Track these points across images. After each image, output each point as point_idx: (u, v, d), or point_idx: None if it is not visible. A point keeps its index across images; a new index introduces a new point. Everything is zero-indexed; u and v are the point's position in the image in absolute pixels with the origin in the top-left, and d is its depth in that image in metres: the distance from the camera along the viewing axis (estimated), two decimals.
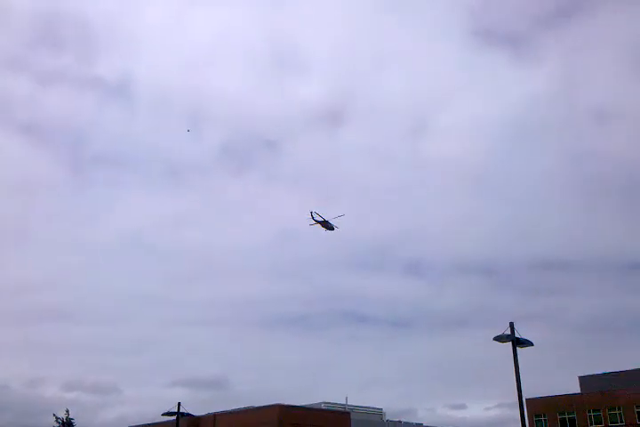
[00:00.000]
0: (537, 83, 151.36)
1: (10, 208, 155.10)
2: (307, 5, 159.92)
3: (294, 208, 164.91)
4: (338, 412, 73.27)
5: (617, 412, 57.97)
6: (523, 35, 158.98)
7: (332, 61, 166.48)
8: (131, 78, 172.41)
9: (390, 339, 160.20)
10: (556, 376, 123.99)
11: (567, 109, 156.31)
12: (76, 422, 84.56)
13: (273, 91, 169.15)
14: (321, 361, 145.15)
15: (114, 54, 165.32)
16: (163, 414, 42.22)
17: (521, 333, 24.65)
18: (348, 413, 72.91)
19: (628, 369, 66.95)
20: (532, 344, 24.44)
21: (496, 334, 24.60)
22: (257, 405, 70.26)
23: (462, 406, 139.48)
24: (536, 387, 55.24)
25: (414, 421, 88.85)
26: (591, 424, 59.05)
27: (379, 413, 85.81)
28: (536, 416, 62.11)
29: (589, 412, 59.53)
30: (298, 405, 68.81)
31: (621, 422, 57.37)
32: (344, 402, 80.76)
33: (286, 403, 66.65)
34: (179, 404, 41.62)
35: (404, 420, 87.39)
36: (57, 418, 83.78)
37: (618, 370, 67.30)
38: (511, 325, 24.36)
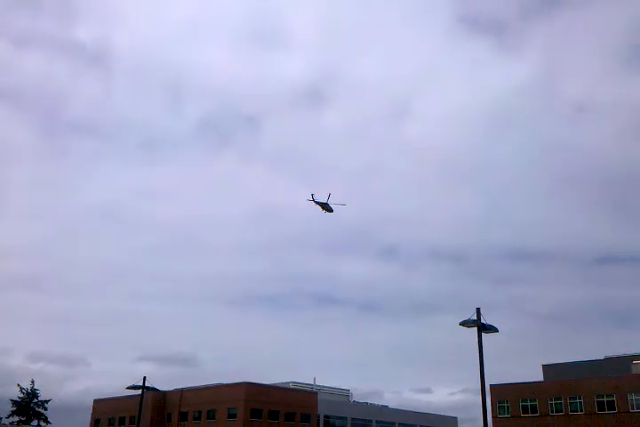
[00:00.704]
0: (518, 73, 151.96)
1: None
2: None
3: (271, 186, 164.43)
4: (305, 392, 73.94)
5: (577, 401, 59.15)
6: (507, 23, 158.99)
7: (316, 40, 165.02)
8: (110, 46, 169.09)
9: (360, 321, 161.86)
10: (521, 364, 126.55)
11: (547, 101, 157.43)
12: (40, 392, 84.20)
13: (255, 67, 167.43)
14: (290, 341, 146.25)
15: (94, 21, 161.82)
16: (127, 388, 42.11)
17: (489, 320, 24.85)
18: (316, 393, 73.62)
19: (589, 359, 68.36)
20: (496, 330, 24.63)
21: (462, 320, 24.72)
22: (225, 382, 70.50)
23: (428, 391, 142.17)
24: (501, 374, 56.35)
25: (380, 403, 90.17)
26: (552, 412, 60.23)
27: (345, 394, 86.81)
28: (499, 402, 63.13)
29: (551, 400, 60.66)
30: (265, 383, 69.18)
31: (581, 410, 58.60)
32: (312, 382, 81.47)
33: (254, 381, 66.96)
34: (144, 378, 41.49)
35: (370, 402, 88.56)
36: (21, 388, 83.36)
37: (580, 360, 68.70)
38: (477, 310, 24.51)
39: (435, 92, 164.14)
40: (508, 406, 62.75)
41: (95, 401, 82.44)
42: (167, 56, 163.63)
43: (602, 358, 69.21)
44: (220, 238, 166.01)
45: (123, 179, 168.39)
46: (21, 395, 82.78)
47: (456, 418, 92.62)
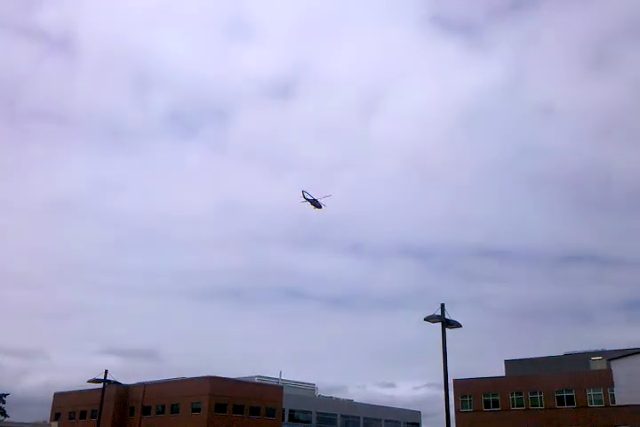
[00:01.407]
0: (487, 73, 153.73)
1: None
2: None
3: (239, 180, 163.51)
4: (270, 386, 73.81)
5: (538, 396, 60.36)
6: (477, 24, 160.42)
7: (287, 34, 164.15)
8: (75, 33, 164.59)
9: (326, 316, 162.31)
10: (483, 359, 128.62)
11: (515, 102, 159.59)
12: None
13: (225, 59, 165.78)
14: (256, 335, 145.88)
15: (59, 6, 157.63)
16: (88, 381, 41.41)
17: (453, 316, 25.05)
18: (281, 387, 73.55)
19: (550, 355, 69.84)
20: (460, 326, 24.87)
21: (427, 315, 24.88)
22: (189, 377, 69.96)
23: (392, 385, 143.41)
24: (465, 369, 57.10)
25: (345, 397, 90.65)
26: (513, 406, 61.35)
27: (311, 388, 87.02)
28: (462, 397, 64.03)
29: (512, 395, 61.78)
30: (230, 377, 68.85)
31: (541, 405, 59.83)
32: (277, 376, 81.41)
33: (218, 375, 66.56)
34: (105, 371, 40.87)
35: (335, 396, 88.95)
36: None
37: (541, 356, 70.14)
38: (442, 306, 24.70)
39: (404, 89, 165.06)
40: (470, 401, 63.71)
41: (55, 395, 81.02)
42: (134, 45, 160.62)
43: (562, 354, 70.79)
44: (185, 232, 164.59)
45: (85, 169, 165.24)
46: None
47: (419, 412, 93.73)
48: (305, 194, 56.82)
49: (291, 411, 74.16)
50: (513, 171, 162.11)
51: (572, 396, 58.26)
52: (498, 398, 62.33)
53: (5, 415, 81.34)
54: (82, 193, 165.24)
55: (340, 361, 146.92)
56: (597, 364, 61.98)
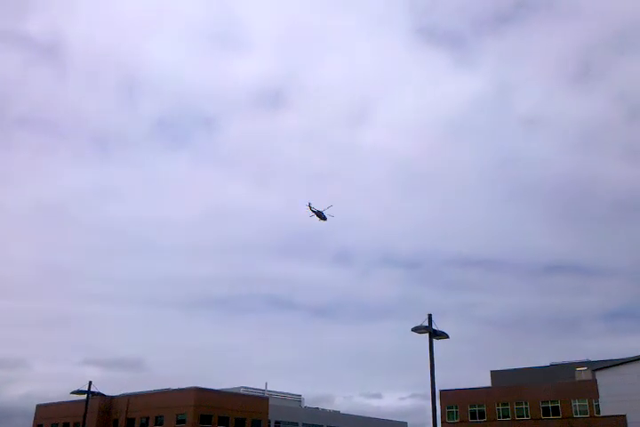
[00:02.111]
0: (472, 84, 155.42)
1: None
2: None
3: (226, 189, 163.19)
4: (256, 397, 73.25)
5: (524, 406, 60.46)
6: (462, 37, 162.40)
7: (276, 42, 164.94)
8: (63, 40, 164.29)
9: (312, 326, 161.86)
10: (469, 370, 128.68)
11: (499, 113, 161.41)
12: None
13: (214, 68, 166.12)
14: (242, 345, 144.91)
15: (46, 13, 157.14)
16: (72, 393, 40.72)
17: (439, 326, 25.06)
18: (267, 398, 73.01)
19: (536, 366, 70.10)
20: (447, 336, 24.88)
21: (414, 326, 24.88)
22: (173, 388, 69.27)
23: (378, 396, 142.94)
24: (450, 379, 57.09)
25: (331, 408, 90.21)
26: (499, 417, 61.38)
27: (297, 399, 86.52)
28: (448, 407, 63.98)
29: (498, 405, 61.84)
30: (215, 389, 68.28)
31: (527, 416, 59.91)
32: (263, 387, 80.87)
33: (203, 386, 65.98)
34: (89, 382, 40.30)
35: (321, 407, 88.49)
36: None
37: (526, 367, 70.38)
38: (429, 316, 24.72)
39: (391, 100, 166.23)
40: (456, 412, 63.67)
41: (38, 406, 79.73)
42: (123, 52, 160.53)
43: (547, 364, 71.08)
44: (171, 240, 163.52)
45: (71, 176, 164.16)
46: None
47: (406, 423, 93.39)
48: (311, 207, 59.11)
49: (276, 422, 73.58)
50: (497, 181, 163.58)
51: (558, 406, 58.43)
52: (484, 408, 62.36)
53: None
54: (68, 200, 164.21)
55: (327, 372, 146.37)
56: (582, 374, 62.27)
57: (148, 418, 66.53)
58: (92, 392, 40.79)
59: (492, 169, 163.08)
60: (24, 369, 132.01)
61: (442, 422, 62.97)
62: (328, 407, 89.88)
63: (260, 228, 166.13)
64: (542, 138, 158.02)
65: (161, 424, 64.75)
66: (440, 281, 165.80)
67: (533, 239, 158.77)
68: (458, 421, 63.16)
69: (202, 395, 64.21)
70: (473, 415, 62.69)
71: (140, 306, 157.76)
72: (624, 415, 51.07)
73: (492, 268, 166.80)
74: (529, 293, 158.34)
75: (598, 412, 54.40)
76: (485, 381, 71.14)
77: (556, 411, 58.39)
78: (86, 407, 43.24)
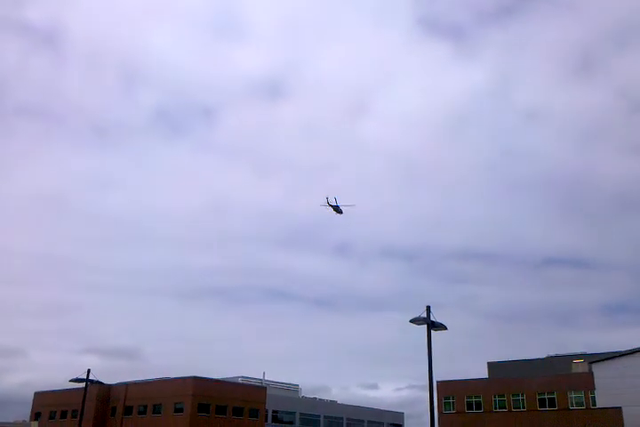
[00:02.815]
0: (474, 77, 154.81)
1: None
2: None
3: (225, 179, 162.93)
4: (254, 386, 73.52)
5: (520, 398, 60.70)
6: (465, 28, 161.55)
7: (276, 35, 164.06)
8: (63, 28, 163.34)
9: (310, 317, 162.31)
10: (466, 361, 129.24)
11: (500, 106, 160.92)
12: None
13: (213, 58, 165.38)
14: (240, 335, 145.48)
15: (47, 0, 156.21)
16: (70, 381, 40.95)
17: (437, 318, 25.09)
18: (265, 388, 73.29)
19: (532, 358, 70.38)
20: (445, 328, 24.92)
21: (412, 317, 24.90)
22: (171, 377, 69.49)
23: (375, 386, 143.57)
24: (447, 371, 57.32)
25: (328, 398, 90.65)
26: (496, 408, 61.64)
27: (295, 389, 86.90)
28: (445, 398, 64.23)
29: (495, 397, 62.07)
30: (213, 378, 68.49)
31: (523, 407, 60.16)
32: (261, 377, 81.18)
33: (201, 376, 66.17)
34: (88, 371, 40.44)
35: (318, 397, 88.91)
36: None
37: (523, 358, 70.68)
38: (428, 308, 24.74)
39: (392, 92, 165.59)
40: (453, 402, 63.91)
41: (36, 394, 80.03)
42: (123, 41, 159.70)
43: (544, 357, 71.36)
44: (171, 231, 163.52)
45: (70, 165, 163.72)
46: None
47: (403, 413, 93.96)
48: (329, 200, 61.12)
49: (274, 412, 73.94)
50: (498, 173, 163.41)
51: (554, 398, 58.68)
52: (480, 399, 62.59)
53: None
54: (67, 190, 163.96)
55: (324, 362, 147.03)
56: (579, 367, 62.50)
57: (145, 406, 66.81)
58: (91, 380, 40.99)
59: (492, 161, 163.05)
60: (22, 358, 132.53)
61: (439, 413, 63.24)
62: (325, 397, 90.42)
63: (260, 219, 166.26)
64: (542, 130, 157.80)
65: (159, 413, 65.05)
66: (439, 273, 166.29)
67: (532, 232, 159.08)
68: (454, 412, 63.45)
69: (200, 384, 64.43)
70: (469, 406, 62.96)
71: (138, 296, 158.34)
72: (620, 408, 51.30)
73: (490, 260, 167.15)
74: (527, 285, 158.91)
75: (594, 404, 54.64)
76: (482, 372, 71.53)
77: (552, 403, 58.65)
78: (84, 395, 43.45)
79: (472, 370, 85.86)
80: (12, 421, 77.68)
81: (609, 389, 52.14)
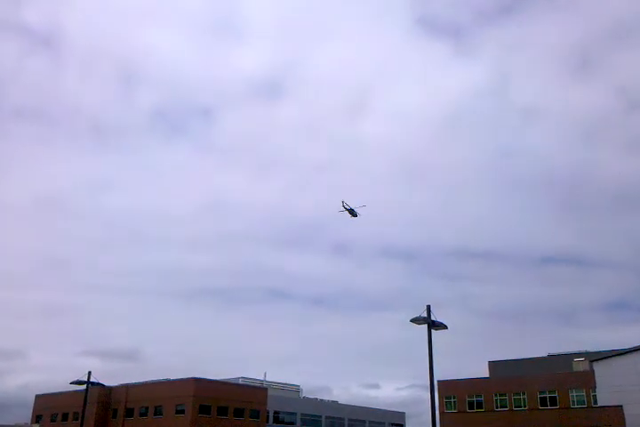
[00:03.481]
0: (473, 76, 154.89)
1: None
2: None
3: (224, 179, 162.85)
4: (255, 387, 73.47)
5: (521, 397, 60.66)
6: (464, 27, 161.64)
7: (275, 33, 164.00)
8: (60, 29, 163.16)
9: (311, 317, 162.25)
10: (467, 361, 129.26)
11: (500, 104, 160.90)
12: None
13: (212, 58, 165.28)
14: (240, 336, 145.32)
15: (44, 2, 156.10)
16: (71, 383, 40.88)
17: (438, 317, 25.08)
18: (265, 388, 73.23)
19: (533, 357, 70.36)
20: (446, 327, 24.91)
21: (413, 317, 24.88)
22: (172, 378, 69.45)
23: (376, 386, 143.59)
24: (448, 370, 57.26)
25: (330, 398, 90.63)
26: (497, 407, 61.59)
27: (296, 389, 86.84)
28: (446, 398, 64.15)
29: (496, 396, 62.02)
30: (214, 379, 68.46)
31: (525, 406, 60.12)
32: (262, 378, 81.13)
33: (202, 377, 66.14)
34: (89, 373, 40.40)
35: (319, 397, 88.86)
36: None
37: (524, 357, 70.66)
38: (428, 307, 24.72)
39: (391, 91, 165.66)
40: (454, 402, 63.86)
41: (37, 396, 79.97)
42: (121, 42, 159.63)
43: (545, 355, 71.35)
44: (170, 231, 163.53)
45: (69, 166, 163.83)
46: None
47: (404, 413, 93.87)
48: (344, 204, 62.69)
49: (275, 412, 73.89)
50: (497, 172, 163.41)
51: (555, 397, 58.65)
52: (482, 399, 62.53)
53: None
54: (66, 191, 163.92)
55: (325, 362, 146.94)
56: (580, 365, 62.48)
57: (147, 408, 66.77)
58: (92, 383, 40.94)
59: (492, 160, 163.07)
60: (23, 360, 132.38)
61: (440, 413, 63.06)
62: (326, 398, 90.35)
63: (259, 219, 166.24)
64: (542, 129, 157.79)
65: (160, 414, 65.00)
66: (439, 273, 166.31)
67: (532, 230, 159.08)
68: (456, 411, 63.39)
69: (201, 385, 64.39)
70: (471, 406, 62.91)
71: (138, 297, 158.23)
72: (621, 406, 51.25)
73: (491, 259, 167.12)
74: (528, 284, 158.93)
75: (595, 402, 54.62)
76: (483, 371, 71.52)
77: (553, 401, 58.61)
78: (86, 398, 43.36)
79: (473, 369, 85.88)
80: (12, 423, 77.65)
81: (610, 387, 52.08)
